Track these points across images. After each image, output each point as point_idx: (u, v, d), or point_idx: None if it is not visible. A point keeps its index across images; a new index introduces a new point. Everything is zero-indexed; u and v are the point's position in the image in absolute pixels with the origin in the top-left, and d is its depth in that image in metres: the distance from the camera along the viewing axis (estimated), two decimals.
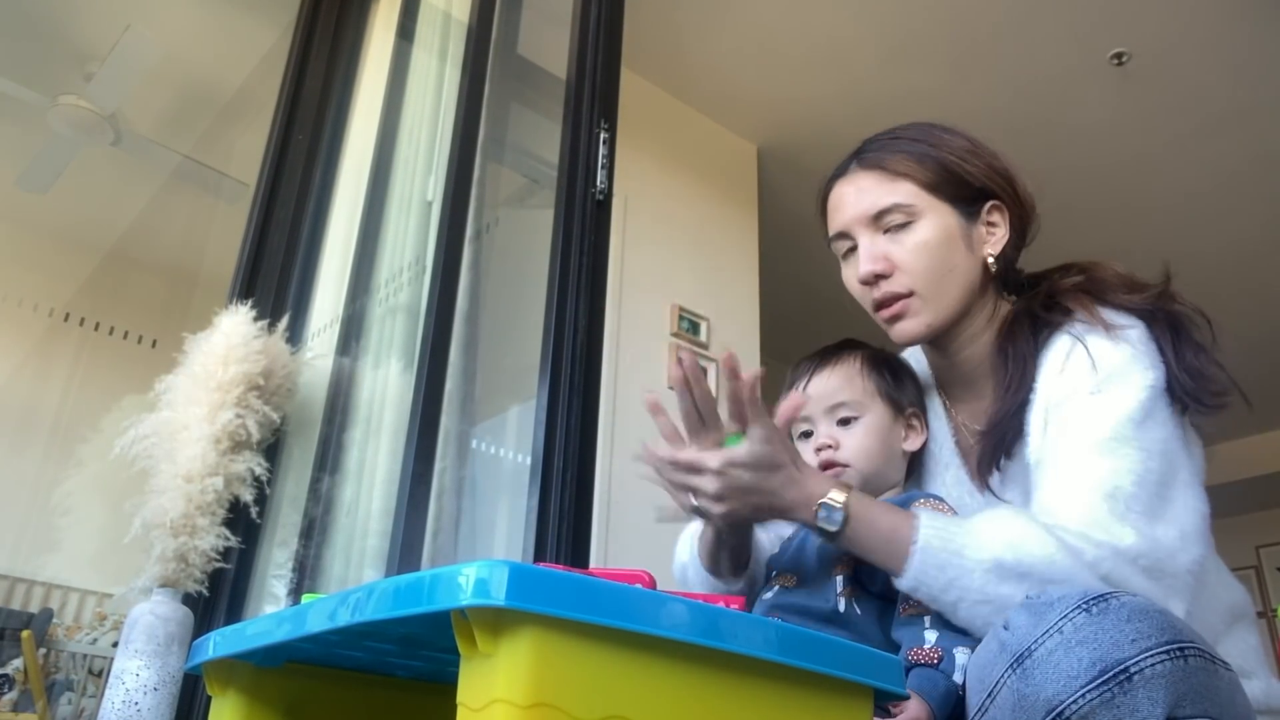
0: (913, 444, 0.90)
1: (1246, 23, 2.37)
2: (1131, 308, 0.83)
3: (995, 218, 0.90)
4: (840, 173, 0.94)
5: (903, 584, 0.74)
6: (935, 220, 0.87)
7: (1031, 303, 0.88)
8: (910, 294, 0.87)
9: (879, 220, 0.88)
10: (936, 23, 2.44)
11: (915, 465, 0.94)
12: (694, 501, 0.77)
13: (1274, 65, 2.48)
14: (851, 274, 0.91)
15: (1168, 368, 0.79)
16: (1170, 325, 0.82)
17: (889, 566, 0.75)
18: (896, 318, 0.88)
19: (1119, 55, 2.47)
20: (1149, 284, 0.86)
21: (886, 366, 0.92)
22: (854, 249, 0.90)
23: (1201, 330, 0.82)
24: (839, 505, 0.76)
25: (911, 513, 0.76)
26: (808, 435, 0.89)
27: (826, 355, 0.93)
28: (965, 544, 0.71)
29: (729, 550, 0.87)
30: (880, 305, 0.89)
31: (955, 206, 0.88)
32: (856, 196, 0.90)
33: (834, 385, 0.88)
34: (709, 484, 0.76)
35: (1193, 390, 0.79)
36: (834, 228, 0.93)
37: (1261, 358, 3.45)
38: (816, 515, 0.76)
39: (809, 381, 0.90)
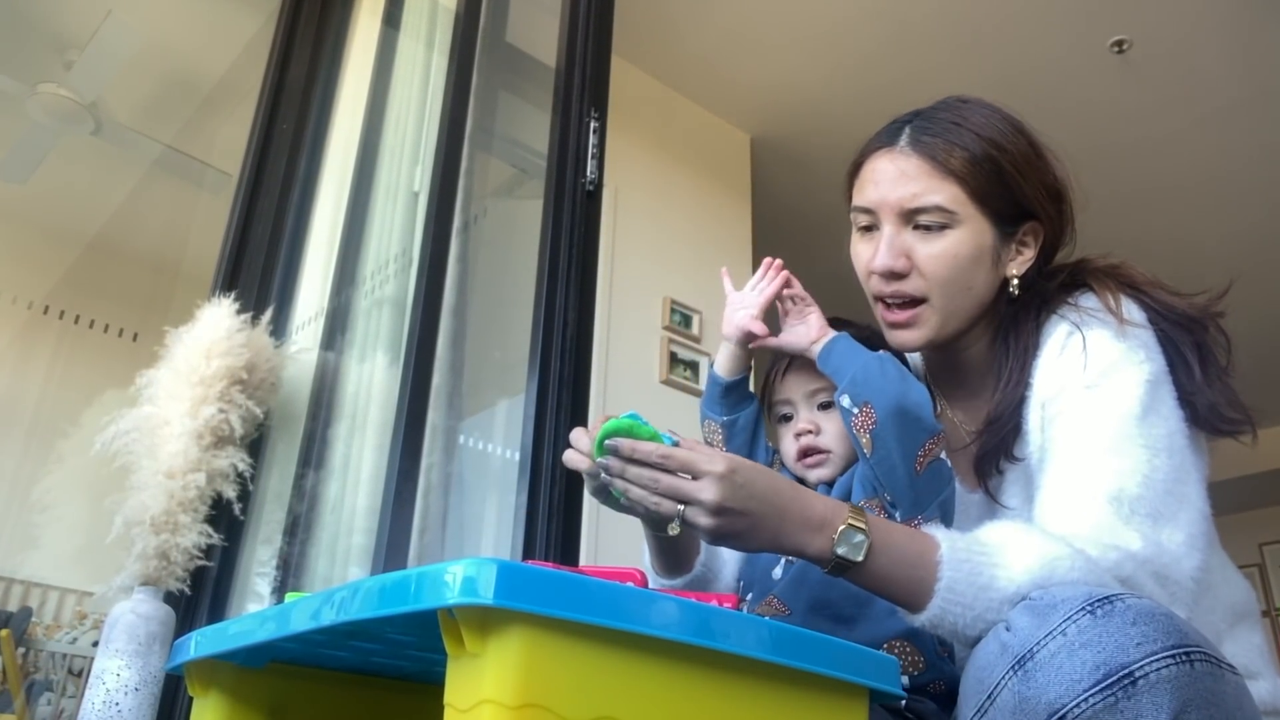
0: None
1: (1247, 12, 2.37)
2: (1167, 308, 0.80)
3: (1029, 238, 0.84)
4: (887, 143, 0.84)
5: (920, 620, 0.67)
6: (972, 232, 0.81)
7: (1046, 285, 0.84)
8: (923, 300, 0.82)
9: (913, 215, 0.81)
10: (934, 9, 2.43)
11: None
12: (680, 511, 0.66)
13: (1275, 54, 2.48)
14: (864, 251, 0.85)
15: (1194, 386, 0.77)
16: (1206, 342, 0.79)
17: (904, 602, 0.68)
18: (899, 325, 0.84)
19: (1119, 43, 2.47)
20: (1187, 291, 0.82)
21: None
22: (874, 228, 0.84)
23: (1224, 353, 0.80)
24: (863, 528, 0.66)
25: (930, 538, 0.68)
26: (787, 419, 0.87)
27: None
28: (994, 576, 0.65)
29: (665, 550, 0.84)
30: (886, 301, 0.84)
31: (996, 222, 0.82)
32: (897, 180, 0.81)
33: (812, 370, 0.86)
34: (707, 491, 0.64)
35: (1208, 415, 0.78)
36: (860, 200, 0.85)
37: (1264, 350, 3.44)
38: (834, 543, 0.65)
39: (787, 365, 0.88)
